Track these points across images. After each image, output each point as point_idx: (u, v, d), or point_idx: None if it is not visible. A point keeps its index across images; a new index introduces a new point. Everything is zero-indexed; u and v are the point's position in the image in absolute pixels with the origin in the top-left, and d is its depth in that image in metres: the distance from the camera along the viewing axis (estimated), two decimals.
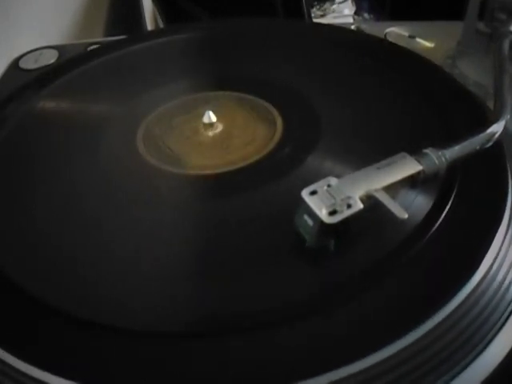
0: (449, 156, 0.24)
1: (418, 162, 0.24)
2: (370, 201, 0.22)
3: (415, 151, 0.24)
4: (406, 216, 0.21)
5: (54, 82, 0.36)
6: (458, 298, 0.21)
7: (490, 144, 0.25)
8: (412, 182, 0.24)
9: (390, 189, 0.23)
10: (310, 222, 0.22)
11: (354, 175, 0.23)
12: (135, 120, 0.32)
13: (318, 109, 0.31)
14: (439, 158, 0.24)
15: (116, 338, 0.20)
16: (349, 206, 0.22)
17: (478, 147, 0.25)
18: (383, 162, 0.23)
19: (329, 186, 0.22)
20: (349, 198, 0.22)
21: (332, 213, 0.21)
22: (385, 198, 0.22)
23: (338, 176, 0.23)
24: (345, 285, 0.22)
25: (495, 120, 0.26)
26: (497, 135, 0.25)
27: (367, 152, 0.27)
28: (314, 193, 0.22)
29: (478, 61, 0.38)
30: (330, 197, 0.22)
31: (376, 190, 0.22)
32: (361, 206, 0.22)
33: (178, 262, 0.24)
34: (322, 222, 0.21)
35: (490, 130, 0.25)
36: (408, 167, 0.23)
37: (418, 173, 0.24)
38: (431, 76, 0.33)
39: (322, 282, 0.22)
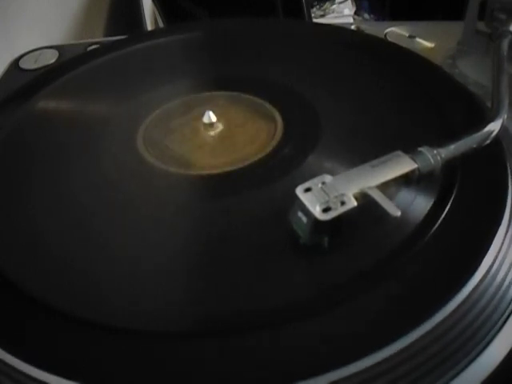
0: (444, 155, 0.24)
1: (413, 160, 0.24)
2: (363, 199, 0.22)
3: (414, 150, 0.24)
4: (399, 214, 0.21)
5: (53, 82, 0.36)
6: (458, 297, 0.20)
7: (488, 142, 0.25)
8: (407, 180, 0.24)
9: (387, 187, 0.23)
10: (304, 219, 0.22)
11: (349, 173, 0.23)
12: (135, 120, 0.32)
13: (318, 108, 0.31)
14: (434, 156, 0.24)
15: (116, 337, 0.20)
16: (342, 204, 0.22)
17: (474, 146, 0.25)
18: (378, 160, 0.23)
19: (323, 183, 0.22)
20: (342, 195, 0.22)
21: (326, 210, 0.21)
22: (378, 196, 0.22)
23: (337, 174, 0.23)
24: (343, 285, 0.21)
25: (492, 119, 0.26)
26: (494, 134, 0.25)
27: (368, 152, 0.27)
28: (308, 190, 0.22)
29: (477, 61, 0.38)
30: (324, 194, 0.22)
31: (370, 188, 0.22)
32: (354, 203, 0.22)
33: (178, 262, 0.24)
34: (315, 219, 0.21)
35: (486, 129, 0.25)
36: (403, 165, 0.23)
37: (413, 171, 0.23)
38: (431, 76, 0.33)
39: (320, 281, 0.22)
